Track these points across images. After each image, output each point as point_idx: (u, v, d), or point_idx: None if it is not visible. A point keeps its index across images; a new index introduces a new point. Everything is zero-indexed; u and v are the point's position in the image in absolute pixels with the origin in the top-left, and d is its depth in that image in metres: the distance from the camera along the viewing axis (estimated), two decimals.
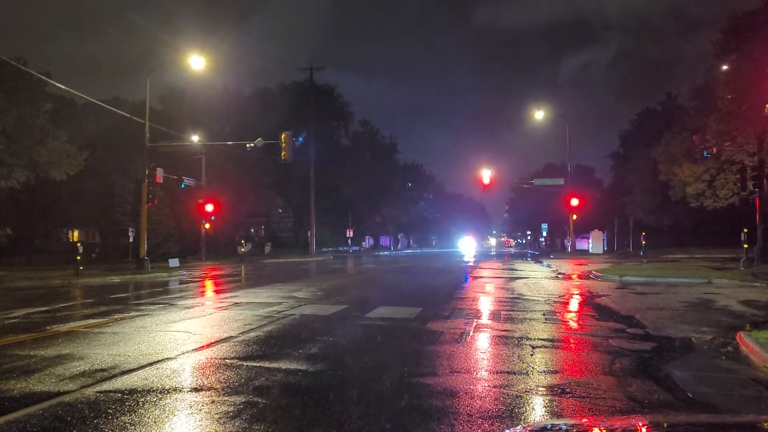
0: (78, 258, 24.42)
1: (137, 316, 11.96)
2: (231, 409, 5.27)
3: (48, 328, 10.32)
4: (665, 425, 2.25)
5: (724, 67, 27.57)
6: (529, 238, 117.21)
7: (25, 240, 39.36)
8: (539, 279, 21.91)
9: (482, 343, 8.91)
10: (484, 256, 53.77)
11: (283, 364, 7.17)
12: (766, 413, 5.66)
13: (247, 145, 31.63)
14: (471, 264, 36.33)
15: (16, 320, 11.61)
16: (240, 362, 7.29)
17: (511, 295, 15.74)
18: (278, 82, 65.00)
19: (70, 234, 48.14)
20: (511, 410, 5.34)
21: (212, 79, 40.99)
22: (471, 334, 9.44)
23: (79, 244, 26.45)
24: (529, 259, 44.12)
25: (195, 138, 37.35)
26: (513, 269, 29.51)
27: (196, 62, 28.39)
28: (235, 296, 15.98)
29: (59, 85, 25.88)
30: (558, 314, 11.95)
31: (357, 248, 66.52)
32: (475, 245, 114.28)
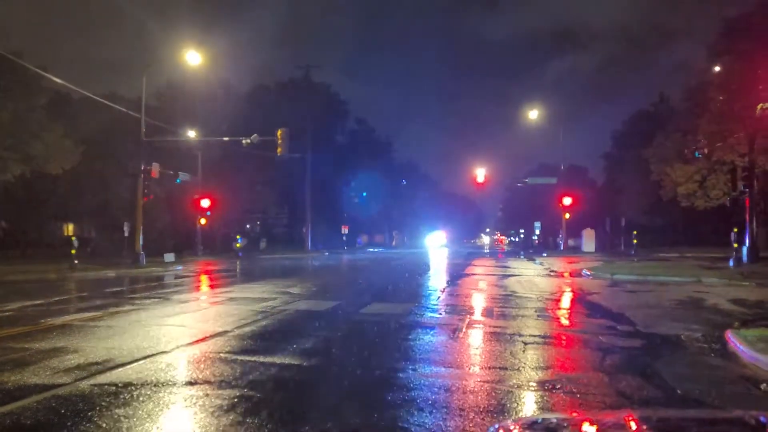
0: (73, 252, 24.33)
1: (132, 310, 11.98)
2: (225, 402, 5.31)
3: (42, 321, 10.32)
4: (654, 420, 2.27)
5: (717, 69, 27.70)
6: (522, 236, 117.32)
7: (20, 234, 39.19)
8: (532, 277, 21.99)
9: (475, 339, 8.98)
10: (473, 255, 53.79)
11: (278, 359, 7.21)
12: (754, 409, 5.74)
13: (243, 141, 31.57)
14: (463, 262, 36.37)
15: (10, 313, 11.60)
16: (235, 356, 7.33)
17: (504, 293, 15.81)
18: (275, 79, 64.80)
19: (66, 228, 47.86)
20: (502, 405, 5.41)
21: (209, 75, 40.81)
22: (464, 330, 9.51)
23: (74, 238, 26.35)
24: (522, 257, 44.21)
25: (191, 134, 37.23)
26: (506, 267, 29.57)
27: (193, 58, 28.29)
28: (230, 291, 16.01)
29: (55, 79, 25.76)
30: (550, 311, 12.03)
31: (352, 245, 66.43)
32: (445, 242, 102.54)
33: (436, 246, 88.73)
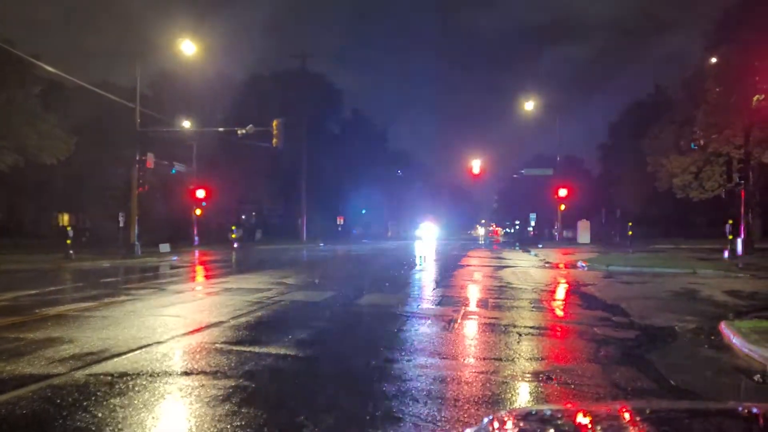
0: (68, 242, 24.25)
1: (127, 300, 11.96)
2: (221, 392, 5.31)
3: (37, 311, 10.29)
4: (648, 411, 2.26)
5: (713, 60, 27.67)
6: (517, 227, 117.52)
7: (14, 223, 39.01)
8: (527, 268, 22.03)
9: (470, 330, 9.01)
10: (468, 246, 53.84)
11: (273, 349, 7.22)
12: (747, 400, 5.77)
13: (239, 132, 31.42)
14: (458, 253, 36.41)
15: (5, 303, 11.56)
16: (230, 347, 7.33)
17: (499, 284, 15.84)
18: (270, 68, 64.42)
19: (61, 218, 47.69)
20: (497, 396, 5.42)
21: (204, 64, 40.46)
22: (459, 321, 9.53)
23: (69, 228, 26.27)
24: (517, 248, 44.28)
25: (186, 124, 37.03)
26: (501, 258, 29.62)
27: (188, 47, 28.14)
28: (225, 282, 15.99)
29: (48, 68, 25.54)
30: (545, 303, 12.06)
31: (348, 236, 66.41)
32: (436, 233, 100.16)
33: (426, 237, 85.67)
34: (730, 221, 25.03)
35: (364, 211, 75.57)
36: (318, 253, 34.51)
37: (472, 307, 11.50)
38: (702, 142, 29.48)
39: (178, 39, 28.33)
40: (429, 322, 9.54)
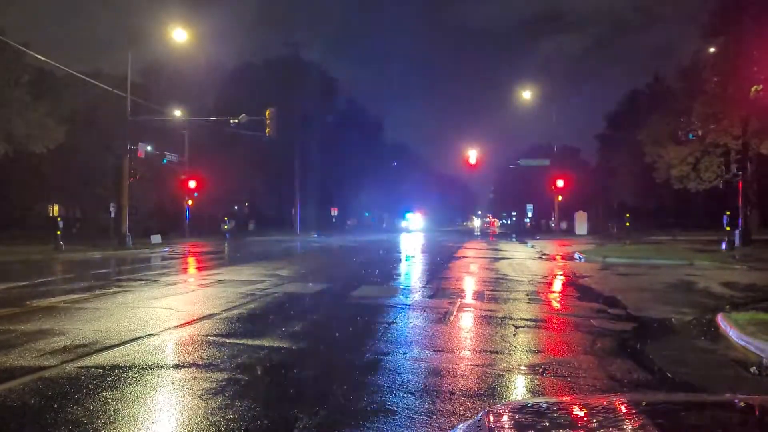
0: (58, 233, 24.12)
1: (119, 292, 11.89)
2: (213, 385, 5.26)
3: (28, 302, 10.22)
4: (644, 404, 2.24)
5: (711, 50, 27.57)
6: (514, 218, 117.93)
7: (4, 214, 38.81)
8: (523, 260, 22.03)
9: (466, 322, 8.96)
10: (464, 238, 53.88)
11: (266, 342, 7.16)
12: (744, 392, 5.74)
13: (231, 121, 31.32)
14: (454, 245, 36.43)
15: None
16: (223, 339, 7.27)
17: (495, 276, 15.81)
18: (264, 57, 64.08)
19: (51, 208, 47.47)
20: (492, 388, 5.38)
21: (196, 52, 40.23)
22: (454, 313, 9.47)
23: (59, 219, 26.13)
24: (513, 239, 44.34)
25: (177, 113, 36.83)
26: (497, 250, 29.63)
27: (179, 35, 27.94)
28: (218, 273, 15.92)
29: (38, 56, 25.34)
30: (541, 295, 12.03)
31: (342, 227, 66.48)
32: (431, 224, 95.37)
33: (419, 229, 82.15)
34: (728, 212, 25.01)
35: (358, 202, 75.51)
36: (312, 245, 34.47)
37: (468, 299, 11.46)
38: (700, 133, 29.41)
39: (169, 27, 28.11)
40: (424, 314, 9.49)
